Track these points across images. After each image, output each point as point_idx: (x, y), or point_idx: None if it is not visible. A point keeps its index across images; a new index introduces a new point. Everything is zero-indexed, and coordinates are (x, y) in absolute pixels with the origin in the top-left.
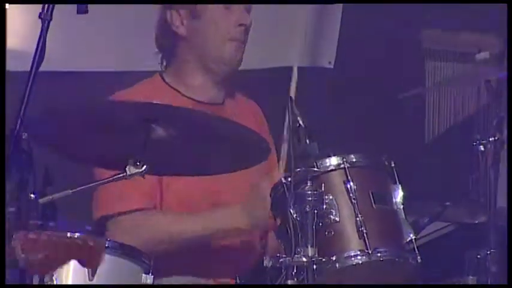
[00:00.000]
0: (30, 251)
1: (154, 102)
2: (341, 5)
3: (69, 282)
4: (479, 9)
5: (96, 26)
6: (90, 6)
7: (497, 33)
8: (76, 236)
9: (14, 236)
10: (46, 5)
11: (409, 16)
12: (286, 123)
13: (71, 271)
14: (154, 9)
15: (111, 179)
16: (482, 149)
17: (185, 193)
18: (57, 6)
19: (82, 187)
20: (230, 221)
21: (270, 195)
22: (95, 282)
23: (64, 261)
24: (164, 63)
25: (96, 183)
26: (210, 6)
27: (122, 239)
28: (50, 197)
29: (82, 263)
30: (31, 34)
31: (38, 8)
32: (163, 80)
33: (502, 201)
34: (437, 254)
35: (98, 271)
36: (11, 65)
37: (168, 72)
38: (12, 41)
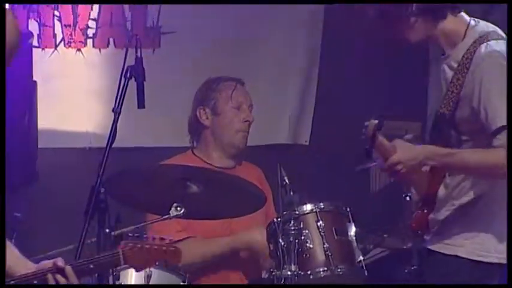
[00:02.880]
0: (130, 255)
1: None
2: (314, 98)
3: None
4: (407, 103)
5: (151, 116)
6: (149, 101)
7: (419, 121)
8: (162, 243)
9: (120, 244)
10: (117, 101)
11: (366, 105)
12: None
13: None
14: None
15: (160, 219)
16: (408, 199)
17: (208, 226)
18: (125, 101)
19: (141, 224)
20: (246, 239)
21: (266, 230)
22: None
23: (155, 261)
24: (195, 143)
25: (151, 222)
26: (226, 107)
27: None
28: (120, 231)
29: (166, 262)
30: (106, 122)
31: (111, 104)
32: (194, 154)
33: None
34: (379, 270)
35: (150, 282)
36: (93, 143)
37: (197, 149)
38: (94, 126)
